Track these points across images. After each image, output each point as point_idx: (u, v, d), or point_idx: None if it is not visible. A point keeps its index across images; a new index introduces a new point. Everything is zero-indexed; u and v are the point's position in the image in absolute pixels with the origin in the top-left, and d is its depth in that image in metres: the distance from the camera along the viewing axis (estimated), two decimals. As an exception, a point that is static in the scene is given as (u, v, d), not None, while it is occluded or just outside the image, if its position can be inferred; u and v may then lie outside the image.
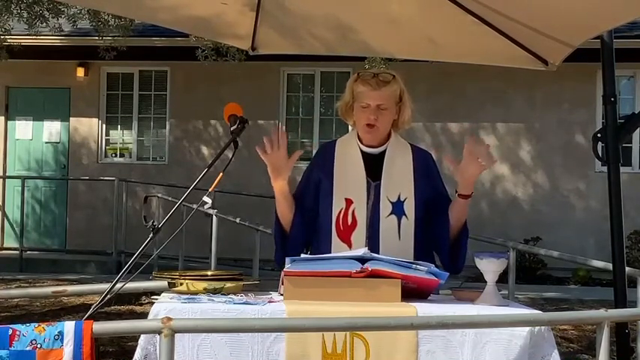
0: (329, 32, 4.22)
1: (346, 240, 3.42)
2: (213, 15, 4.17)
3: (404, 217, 3.44)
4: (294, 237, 3.51)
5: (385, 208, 3.44)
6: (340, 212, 3.44)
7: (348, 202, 3.45)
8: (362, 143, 3.52)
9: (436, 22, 4.01)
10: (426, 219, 3.49)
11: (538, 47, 3.96)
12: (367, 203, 3.45)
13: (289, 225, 3.51)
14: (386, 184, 3.46)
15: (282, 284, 3.06)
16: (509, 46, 3.95)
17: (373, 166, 3.49)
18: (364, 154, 3.51)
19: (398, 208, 3.44)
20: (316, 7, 4.08)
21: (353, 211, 3.44)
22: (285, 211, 3.50)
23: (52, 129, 14.25)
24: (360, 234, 3.42)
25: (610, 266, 4.00)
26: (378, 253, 3.30)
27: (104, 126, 14.19)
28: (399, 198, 3.45)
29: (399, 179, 3.48)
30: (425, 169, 3.54)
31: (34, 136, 14.28)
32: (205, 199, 3.05)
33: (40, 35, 10.75)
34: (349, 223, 3.43)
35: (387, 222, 3.43)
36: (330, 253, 3.38)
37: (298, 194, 3.54)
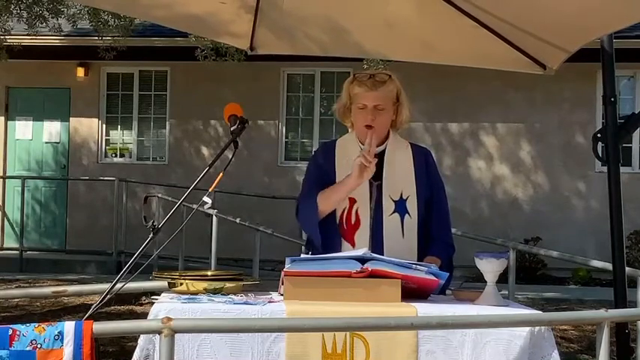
0: (327, 34, 4.21)
1: (350, 239, 3.42)
2: (211, 13, 4.16)
3: (407, 215, 3.45)
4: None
5: (388, 206, 3.44)
6: (343, 212, 3.45)
7: (351, 201, 3.45)
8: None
9: (434, 24, 4.00)
10: (426, 215, 3.51)
11: (536, 52, 3.95)
12: (370, 203, 3.45)
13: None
14: (387, 183, 3.46)
15: (282, 284, 3.07)
16: (507, 50, 3.94)
17: None
18: None
19: (400, 207, 3.45)
20: (315, 9, 4.07)
21: (356, 211, 3.44)
22: (333, 206, 3.44)
23: (52, 129, 14.24)
24: (363, 233, 3.43)
25: (610, 266, 3.99)
26: (382, 251, 3.31)
27: (104, 126, 14.18)
28: (401, 196, 3.46)
29: (401, 177, 3.49)
30: (424, 166, 3.55)
31: (34, 136, 14.27)
32: (205, 199, 3.05)
33: (40, 35, 10.75)
34: (352, 222, 3.44)
35: (390, 221, 3.43)
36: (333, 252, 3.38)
37: (316, 189, 3.49)
